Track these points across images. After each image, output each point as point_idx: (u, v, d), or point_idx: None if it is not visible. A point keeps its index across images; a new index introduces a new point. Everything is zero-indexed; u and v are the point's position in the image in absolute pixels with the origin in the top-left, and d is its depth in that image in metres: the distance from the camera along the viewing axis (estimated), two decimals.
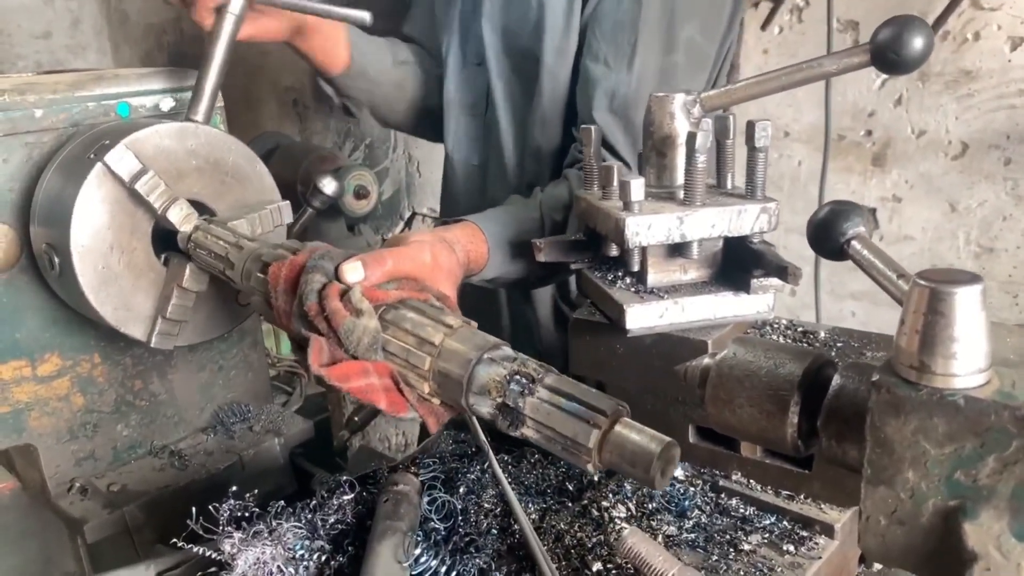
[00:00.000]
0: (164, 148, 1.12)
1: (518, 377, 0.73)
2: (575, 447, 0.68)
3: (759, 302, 1.02)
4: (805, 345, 1.10)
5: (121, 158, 1.04)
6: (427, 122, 1.75)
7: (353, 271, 0.90)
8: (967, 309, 0.55)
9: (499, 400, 0.73)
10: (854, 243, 0.77)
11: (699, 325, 1.02)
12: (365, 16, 1.29)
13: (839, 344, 1.10)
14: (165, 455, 1.30)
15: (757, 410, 0.68)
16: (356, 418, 1.82)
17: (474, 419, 1.05)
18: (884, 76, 1.99)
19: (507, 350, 0.78)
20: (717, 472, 1.05)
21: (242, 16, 1.22)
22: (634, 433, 0.67)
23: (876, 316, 2.14)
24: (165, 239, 1.12)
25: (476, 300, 1.59)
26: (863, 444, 0.61)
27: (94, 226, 1.06)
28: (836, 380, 0.66)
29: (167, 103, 1.25)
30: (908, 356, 0.58)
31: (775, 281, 1.00)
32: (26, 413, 1.17)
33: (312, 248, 0.94)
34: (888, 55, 0.93)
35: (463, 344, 0.79)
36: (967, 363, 0.56)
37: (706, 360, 0.73)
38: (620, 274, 1.07)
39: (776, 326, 1.16)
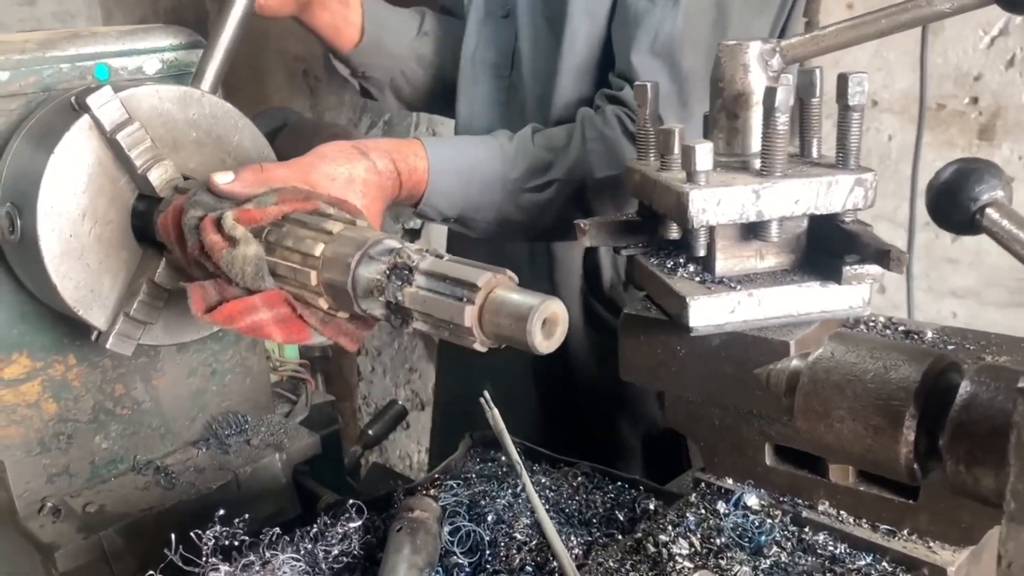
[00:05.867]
0: (162, 112, 1.11)
1: (397, 269, 0.77)
2: (457, 330, 0.72)
3: (852, 295, 0.95)
4: None
5: (105, 103, 1.03)
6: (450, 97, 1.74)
7: (222, 175, 0.96)
8: None
9: (382, 299, 0.77)
10: (989, 211, 0.69)
11: (778, 323, 0.95)
12: None
13: (951, 346, 1.04)
14: (149, 472, 1.29)
15: (862, 425, 0.61)
16: (371, 431, 1.80)
17: (505, 433, 1.02)
18: (992, 33, 1.92)
19: (389, 242, 0.81)
20: (800, 501, 0.99)
21: None
22: (511, 293, 0.70)
23: (982, 317, 2.05)
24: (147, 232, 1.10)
25: None
26: (1003, 470, 0.54)
27: (69, 186, 1.05)
28: (965, 387, 0.59)
29: (152, 65, 1.24)
30: None
31: (873, 269, 0.93)
32: None
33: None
34: None
35: (343, 248, 0.83)
36: None
37: (795, 362, 0.66)
38: (682, 260, 1.02)
39: (872, 325, 1.10)
